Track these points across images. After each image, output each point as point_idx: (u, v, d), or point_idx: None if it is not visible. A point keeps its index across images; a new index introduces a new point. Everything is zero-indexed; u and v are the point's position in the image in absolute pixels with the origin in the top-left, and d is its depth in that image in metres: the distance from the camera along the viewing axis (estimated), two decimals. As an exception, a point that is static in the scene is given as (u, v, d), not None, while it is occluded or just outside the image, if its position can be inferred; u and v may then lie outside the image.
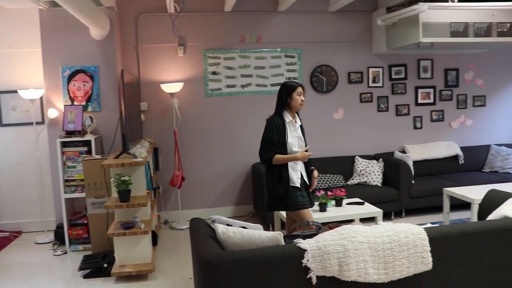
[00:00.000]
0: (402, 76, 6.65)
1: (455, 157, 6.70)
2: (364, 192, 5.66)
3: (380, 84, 6.59)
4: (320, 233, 2.74)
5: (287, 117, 3.80)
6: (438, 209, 5.73)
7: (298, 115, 3.91)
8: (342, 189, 4.89)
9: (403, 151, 6.60)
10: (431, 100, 6.82)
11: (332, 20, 6.34)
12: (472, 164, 6.77)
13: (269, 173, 3.77)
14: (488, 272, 2.93)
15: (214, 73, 6.05)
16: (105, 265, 4.36)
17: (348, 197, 5.08)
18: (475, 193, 4.88)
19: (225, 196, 6.26)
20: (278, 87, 6.07)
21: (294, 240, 2.63)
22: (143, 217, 4.39)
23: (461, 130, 7.00)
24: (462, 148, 6.78)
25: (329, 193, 4.76)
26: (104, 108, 5.37)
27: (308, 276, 2.53)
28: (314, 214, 4.51)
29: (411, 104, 6.75)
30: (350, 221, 4.95)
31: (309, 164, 3.89)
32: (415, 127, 6.80)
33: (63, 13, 4.99)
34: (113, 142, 5.09)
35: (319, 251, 2.54)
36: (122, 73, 4.36)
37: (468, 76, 6.92)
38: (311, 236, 2.74)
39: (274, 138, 3.70)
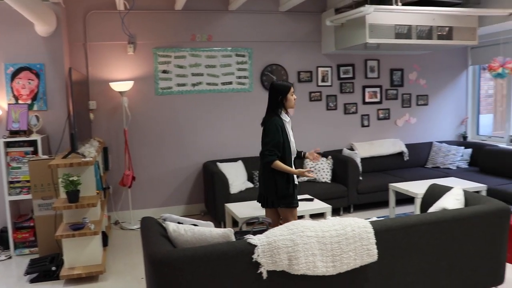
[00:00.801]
0: (350, 75, 6.85)
1: (400, 153, 6.98)
2: (314, 189, 5.79)
3: (329, 83, 6.75)
4: (270, 229, 2.80)
5: (286, 117, 3.86)
6: (385, 203, 5.95)
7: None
8: (293, 186, 4.96)
9: (351, 149, 6.80)
10: (378, 99, 7.07)
11: (282, 20, 6.44)
12: (416, 160, 7.08)
13: (278, 173, 3.77)
14: (429, 261, 3.10)
15: (164, 71, 6.01)
16: (53, 268, 4.25)
17: (298, 194, 5.18)
18: (418, 188, 5.12)
19: (176, 195, 6.24)
20: (229, 86, 6.22)
21: (245, 236, 2.68)
22: (93, 218, 4.31)
23: (405, 128, 7.29)
24: (407, 145, 7.07)
25: (280, 190, 4.83)
26: (51, 107, 5.22)
27: (259, 271, 2.58)
28: (263, 211, 4.57)
29: (359, 103, 6.97)
30: (300, 217, 5.06)
31: (300, 155, 4.12)
32: (363, 125, 7.03)
33: (5, 6, 4.80)
34: (60, 142, 4.97)
35: (269, 246, 2.60)
36: (70, 71, 4.26)
37: (412, 76, 7.22)
38: (261, 232, 2.80)
39: (280, 140, 3.74)
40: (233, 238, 2.74)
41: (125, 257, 4.74)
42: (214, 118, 6.27)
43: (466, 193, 3.64)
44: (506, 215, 3.35)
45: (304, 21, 6.54)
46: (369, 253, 2.83)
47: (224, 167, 5.80)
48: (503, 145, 6.84)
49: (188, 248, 2.54)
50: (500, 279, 3.43)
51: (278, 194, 3.81)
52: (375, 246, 2.84)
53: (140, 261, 4.56)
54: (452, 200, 3.45)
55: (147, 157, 6.06)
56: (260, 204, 4.03)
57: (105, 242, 4.80)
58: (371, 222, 2.93)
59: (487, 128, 7.90)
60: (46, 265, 4.28)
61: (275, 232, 2.69)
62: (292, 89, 3.86)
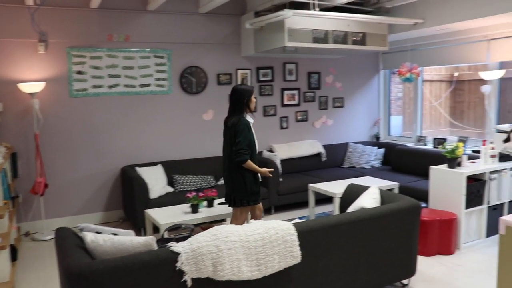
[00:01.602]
0: (269, 78, 6.96)
1: (318, 154, 7.20)
2: (236, 191, 5.79)
3: (249, 86, 6.80)
4: (193, 235, 2.75)
5: (250, 119, 4.16)
6: (305, 204, 6.11)
7: None
8: (213, 189, 4.94)
9: (271, 150, 6.90)
10: (296, 102, 7.24)
11: (202, 21, 6.39)
12: (333, 160, 7.34)
13: (247, 171, 4.06)
14: (349, 259, 3.21)
15: (79, 72, 5.72)
16: (-47, 287, 3.89)
17: (220, 197, 5.15)
18: (337, 187, 5.30)
19: (93, 202, 5.96)
20: (147, 88, 6.08)
21: (167, 244, 2.61)
22: (-1, 230, 4.00)
23: (323, 129, 7.54)
24: (324, 146, 7.32)
25: (200, 194, 4.78)
26: (-51, 109, 4.78)
27: (183, 279, 2.53)
28: (185, 216, 4.52)
29: (278, 105, 7.09)
30: (222, 221, 5.05)
31: None
32: (282, 127, 7.16)
33: None
34: (-39, 148, 4.56)
35: (193, 253, 2.55)
36: (-30, 71, 3.92)
37: (328, 79, 7.48)
38: (184, 238, 2.75)
39: (252, 139, 4.06)
40: (156, 247, 2.66)
41: (38, 271, 4.45)
42: (132, 121, 6.08)
43: (382, 192, 3.83)
44: (417, 211, 3.57)
45: (224, 23, 6.54)
46: (292, 255, 2.87)
47: (143, 172, 5.64)
48: (411, 145, 7.30)
49: (108, 259, 2.43)
50: (412, 271, 3.65)
51: (248, 192, 4.08)
52: (298, 248, 2.89)
53: (54, 274, 4.29)
54: (369, 199, 3.61)
55: (61, 163, 5.73)
56: (227, 204, 4.30)
57: (14, 256, 4.46)
58: (294, 224, 2.98)
59: (397, 129, 8.39)
60: None
61: (198, 238, 2.65)
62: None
